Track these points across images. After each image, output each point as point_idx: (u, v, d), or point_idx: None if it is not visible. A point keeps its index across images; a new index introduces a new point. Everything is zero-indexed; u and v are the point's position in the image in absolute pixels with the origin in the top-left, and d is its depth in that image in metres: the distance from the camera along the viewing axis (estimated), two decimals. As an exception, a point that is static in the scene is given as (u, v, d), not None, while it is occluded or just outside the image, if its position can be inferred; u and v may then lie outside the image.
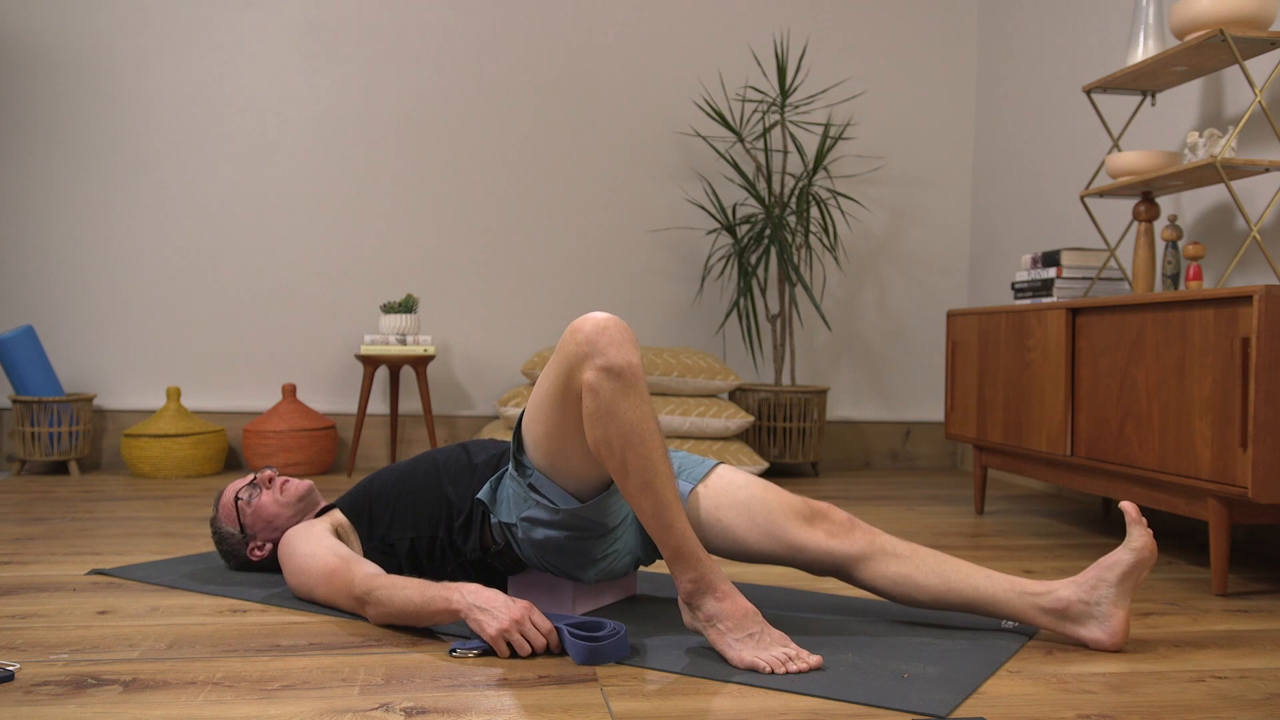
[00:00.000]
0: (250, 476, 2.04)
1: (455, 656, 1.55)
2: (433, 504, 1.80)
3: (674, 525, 1.51)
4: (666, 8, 4.11)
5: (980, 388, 3.00)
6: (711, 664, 1.51)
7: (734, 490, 1.76)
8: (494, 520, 1.72)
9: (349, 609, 1.74)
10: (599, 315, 1.55)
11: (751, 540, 1.73)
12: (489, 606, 1.55)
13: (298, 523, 1.99)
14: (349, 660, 1.53)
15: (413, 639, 1.64)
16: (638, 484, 1.50)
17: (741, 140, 3.94)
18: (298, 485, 2.00)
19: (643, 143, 4.10)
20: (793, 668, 1.48)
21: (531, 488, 1.66)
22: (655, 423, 1.52)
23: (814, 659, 1.49)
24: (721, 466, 1.81)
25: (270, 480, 2.00)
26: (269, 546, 2.00)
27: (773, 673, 1.47)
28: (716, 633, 1.52)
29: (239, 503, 2.00)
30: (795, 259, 3.94)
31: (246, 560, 2.04)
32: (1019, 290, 2.99)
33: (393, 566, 1.83)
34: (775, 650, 1.50)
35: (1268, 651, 1.67)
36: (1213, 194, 2.82)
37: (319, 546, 1.79)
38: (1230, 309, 2.00)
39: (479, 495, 1.74)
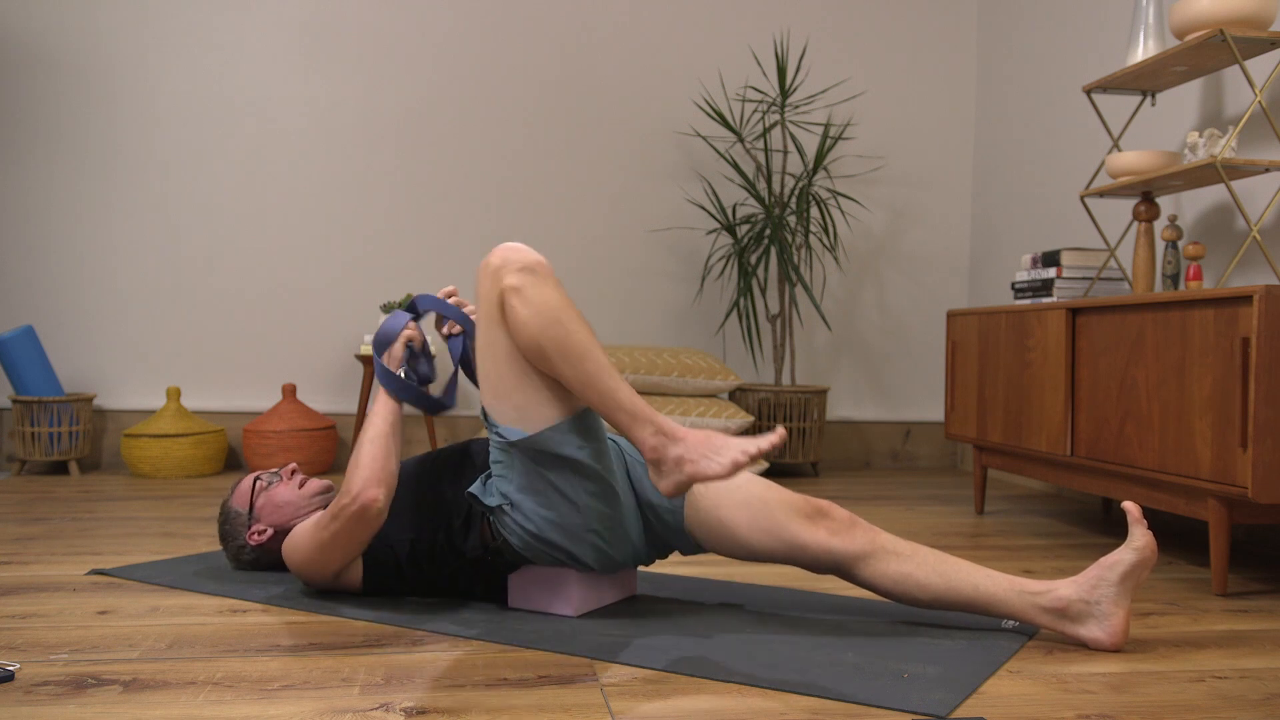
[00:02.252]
0: (276, 468, 2.09)
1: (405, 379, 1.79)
2: (432, 505, 1.80)
3: (619, 388, 1.60)
4: (666, 8, 4.11)
5: (980, 388, 3.00)
6: (711, 664, 1.51)
7: (734, 489, 1.76)
8: (486, 506, 1.72)
9: (341, 524, 1.75)
10: (502, 245, 1.72)
11: (752, 539, 1.73)
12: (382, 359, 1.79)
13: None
14: (349, 660, 1.53)
15: (413, 639, 1.64)
16: (571, 361, 1.61)
17: (741, 140, 3.94)
18: (316, 483, 2.04)
19: (643, 143, 4.10)
20: (763, 444, 1.49)
21: (499, 436, 1.70)
22: (575, 308, 1.66)
23: (774, 434, 1.50)
24: None
25: (293, 474, 2.04)
26: (269, 533, 2.00)
27: (751, 460, 1.49)
28: (693, 466, 1.54)
29: (257, 483, 2.03)
30: (795, 259, 3.94)
31: (241, 547, 2.03)
32: (1019, 290, 2.99)
33: (392, 567, 1.83)
34: (741, 445, 1.52)
35: (1268, 651, 1.67)
36: (1213, 194, 2.82)
37: (310, 517, 1.88)
38: (1230, 309, 2.00)
39: (470, 489, 1.75)
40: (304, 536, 1.82)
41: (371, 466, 1.72)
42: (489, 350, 1.71)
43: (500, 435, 1.70)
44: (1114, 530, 2.82)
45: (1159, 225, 3.04)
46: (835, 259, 4.01)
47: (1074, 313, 2.56)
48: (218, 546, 2.39)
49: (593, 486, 1.69)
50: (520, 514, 1.69)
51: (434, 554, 1.80)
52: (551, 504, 1.68)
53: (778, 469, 4.00)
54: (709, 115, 3.94)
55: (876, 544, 1.71)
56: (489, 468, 1.79)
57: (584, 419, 1.71)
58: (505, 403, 1.69)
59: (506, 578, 1.82)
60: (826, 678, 1.46)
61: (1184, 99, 2.94)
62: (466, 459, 1.84)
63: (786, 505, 1.73)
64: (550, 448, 1.67)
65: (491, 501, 1.71)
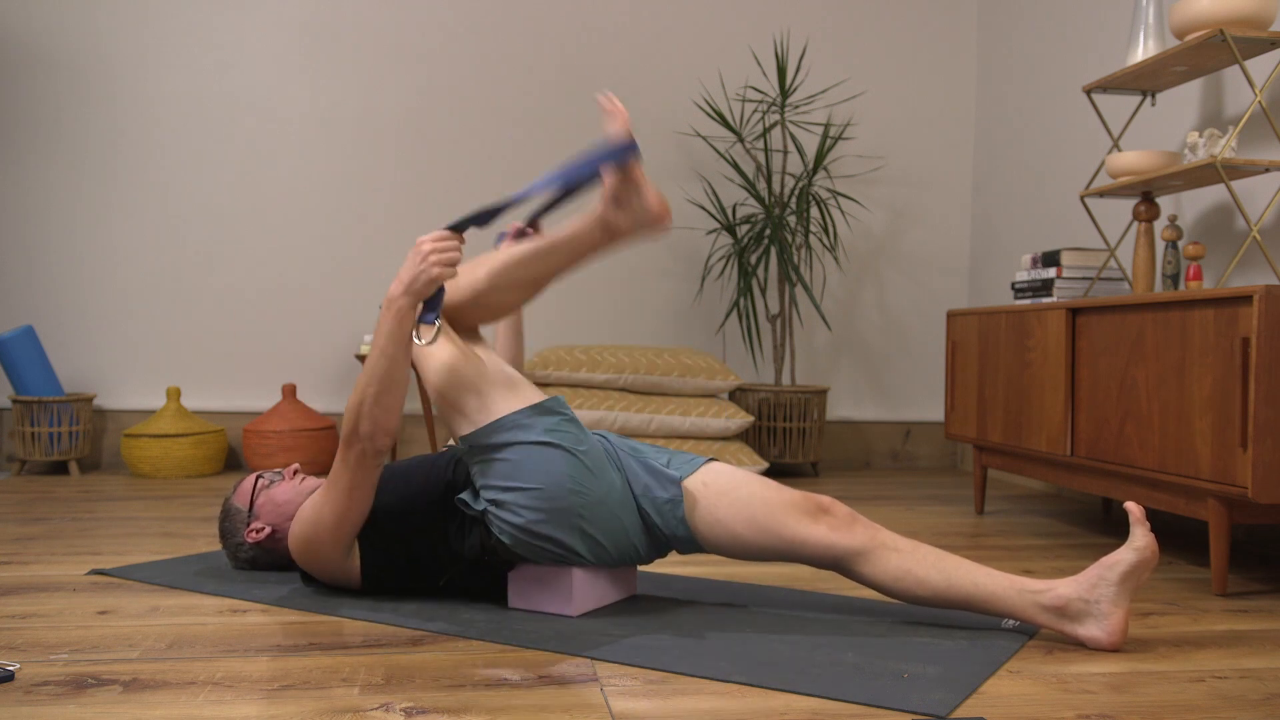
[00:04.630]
0: (279, 468, 2.09)
1: (428, 328, 1.69)
2: (430, 507, 1.81)
3: (557, 233, 1.83)
4: (666, 8, 4.11)
5: (980, 388, 3.00)
6: (711, 664, 1.51)
7: (733, 488, 1.76)
8: (474, 510, 1.73)
9: (353, 473, 1.73)
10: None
11: (750, 536, 1.73)
12: (405, 277, 1.66)
13: None
14: (349, 660, 1.53)
15: (413, 639, 1.64)
16: (521, 264, 1.83)
17: (741, 140, 3.94)
18: (317, 482, 2.04)
19: (643, 143, 4.10)
20: (618, 121, 1.70)
21: (464, 446, 1.74)
22: None
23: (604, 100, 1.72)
24: (715, 463, 1.81)
25: (295, 473, 2.04)
26: (267, 530, 1.99)
27: (626, 133, 1.69)
28: (629, 196, 1.76)
29: (259, 481, 2.03)
30: (795, 259, 3.94)
31: (240, 545, 2.03)
32: (1019, 290, 2.99)
33: (391, 562, 1.83)
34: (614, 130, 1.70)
35: (1268, 651, 1.67)
36: (1213, 194, 2.82)
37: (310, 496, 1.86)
38: (1230, 309, 2.00)
39: (460, 495, 1.75)
40: (311, 509, 1.79)
41: (394, 412, 1.71)
42: (431, 373, 1.74)
43: (464, 443, 1.73)
44: (1114, 530, 2.82)
45: (1159, 225, 3.04)
46: (835, 259, 4.01)
47: (1074, 313, 2.56)
48: (218, 546, 2.39)
49: (568, 468, 1.70)
50: (507, 511, 1.70)
51: (432, 555, 1.80)
52: (532, 495, 1.69)
53: (778, 469, 4.00)
54: (709, 115, 3.94)
55: (877, 540, 1.71)
56: None
57: (546, 407, 1.74)
58: (466, 411, 1.72)
59: (506, 577, 1.82)
60: (826, 678, 1.46)
61: (1184, 99, 2.94)
62: (464, 462, 1.85)
63: (786, 503, 1.74)
64: (515, 436, 1.69)
65: (479, 506, 1.72)
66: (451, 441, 1.90)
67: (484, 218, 1.70)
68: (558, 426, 1.72)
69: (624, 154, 1.69)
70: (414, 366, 1.79)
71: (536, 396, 1.76)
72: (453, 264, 1.65)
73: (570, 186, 1.74)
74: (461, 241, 1.69)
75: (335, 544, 1.80)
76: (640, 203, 1.76)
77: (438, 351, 1.75)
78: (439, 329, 1.72)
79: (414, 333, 1.68)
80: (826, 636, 1.67)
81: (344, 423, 1.72)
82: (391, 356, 1.67)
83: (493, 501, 1.72)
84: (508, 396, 1.73)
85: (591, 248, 1.81)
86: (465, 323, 1.88)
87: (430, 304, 1.69)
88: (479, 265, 1.86)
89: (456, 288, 1.85)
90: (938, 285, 4.30)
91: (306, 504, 1.82)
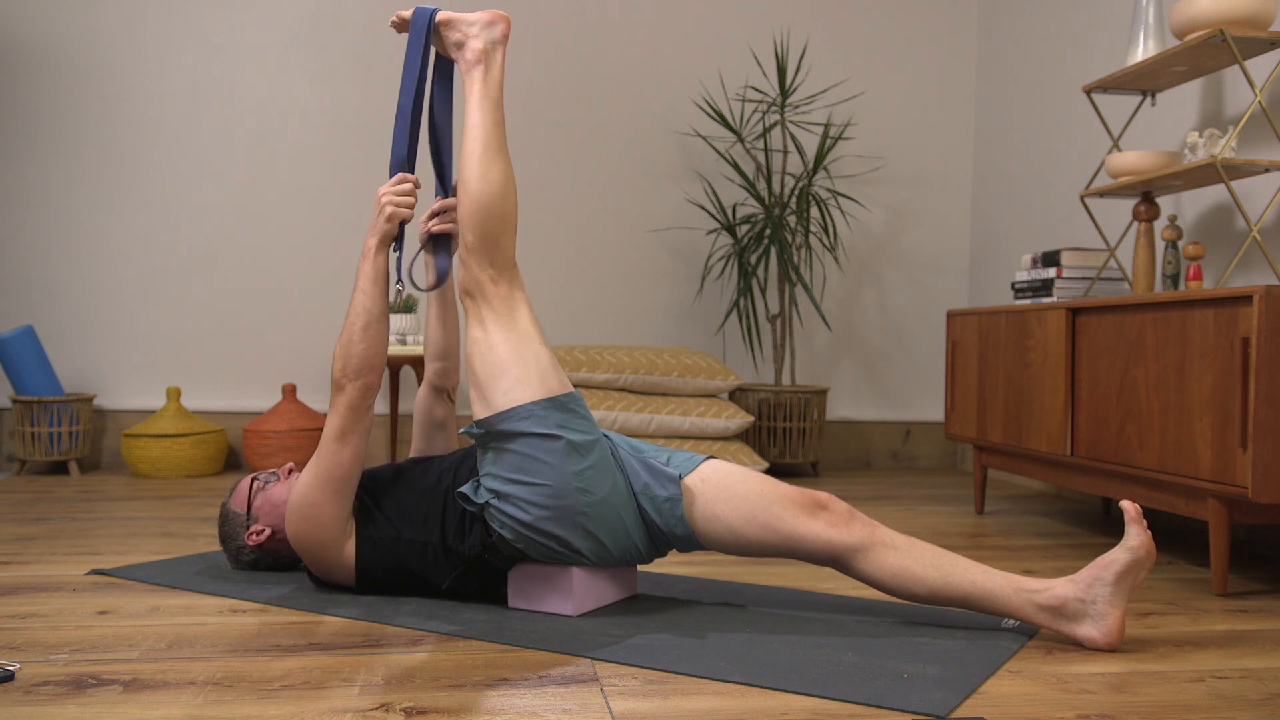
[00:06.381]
0: (274, 469, 2.08)
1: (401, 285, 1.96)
2: (428, 507, 1.81)
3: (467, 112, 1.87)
4: (666, 8, 4.11)
5: (980, 388, 3.00)
6: (711, 664, 1.51)
7: (731, 484, 1.76)
8: (475, 504, 1.73)
9: (344, 418, 1.78)
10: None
11: (748, 532, 1.73)
12: (375, 225, 1.88)
13: None
14: (349, 660, 1.53)
15: (413, 639, 1.64)
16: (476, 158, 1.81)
17: (741, 140, 3.94)
18: None
19: (643, 142, 4.10)
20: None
21: (474, 430, 1.75)
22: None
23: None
24: (713, 460, 1.81)
25: (290, 473, 2.04)
26: (267, 532, 1.99)
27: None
28: (458, 31, 1.88)
29: (255, 484, 2.03)
30: (795, 259, 3.94)
31: (241, 548, 2.03)
32: (1019, 290, 2.99)
33: (390, 562, 1.83)
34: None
35: (1268, 651, 1.67)
36: (1213, 194, 2.82)
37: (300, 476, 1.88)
38: (1230, 309, 2.00)
39: (461, 489, 1.75)
40: (308, 472, 1.80)
41: (379, 347, 1.82)
42: (472, 348, 1.77)
43: (474, 429, 1.74)
44: (1114, 530, 2.82)
45: (1159, 225, 3.04)
46: (835, 259, 4.01)
47: (1074, 313, 2.56)
48: (218, 546, 2.39)
49: (576, 466, 1.70)
50: (510, 504, 1.70)
51: (426, 555, 1.80)
52: (538, 490, 1.69)
53: (778, 469, 4.00)
54: (709, 115, 3.94)
55: (874, 537, 1.71)
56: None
57: (562, 401, 1.73)
58: (492, 394, 1.73)
59: (506, 577, 1.82)
60: (826, 678, 1.46)
61: (1184, 99, 2.94)
62: (465, 463, 1.85)
63: (785, 498, 1.74)
64: (527, 426, 1.70)
65: (481, 499, 1.72)
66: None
67: (409, 149, 1.91)
68: (570, 422, 1.72)
69: (429, 24, 1.88)
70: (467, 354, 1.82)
71: (561, 389, 1.75)
72: (408, 204, 1.87)
73: (419, 80, 1.90)
74: (416, 185, 1.89)
75: (333, 504, 1.78)
76: (468, 25, 1.88)
77: (491, 331, 1.76)
78: (441, 279, 2.01)
79: (399, 277, 1.94)
80: (826, 636, 1.67)
81: (333, 368, 1.81)
82: (371, 294, 1.84)
83: (494, 493, 1.71)
84: (535, 386, 1.73)
85: (495, 83, 1.88)
86: (500, 234, 1.82)
87: (397, 243, 1.93)
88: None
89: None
90: (938, 285, 4.30)
91: (303, 474, 1.83)
